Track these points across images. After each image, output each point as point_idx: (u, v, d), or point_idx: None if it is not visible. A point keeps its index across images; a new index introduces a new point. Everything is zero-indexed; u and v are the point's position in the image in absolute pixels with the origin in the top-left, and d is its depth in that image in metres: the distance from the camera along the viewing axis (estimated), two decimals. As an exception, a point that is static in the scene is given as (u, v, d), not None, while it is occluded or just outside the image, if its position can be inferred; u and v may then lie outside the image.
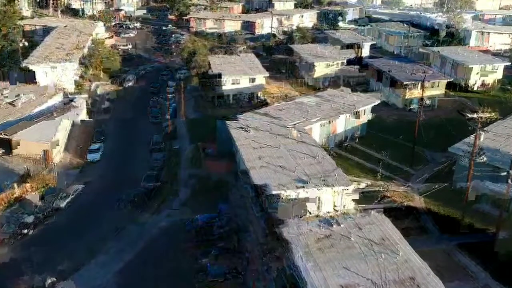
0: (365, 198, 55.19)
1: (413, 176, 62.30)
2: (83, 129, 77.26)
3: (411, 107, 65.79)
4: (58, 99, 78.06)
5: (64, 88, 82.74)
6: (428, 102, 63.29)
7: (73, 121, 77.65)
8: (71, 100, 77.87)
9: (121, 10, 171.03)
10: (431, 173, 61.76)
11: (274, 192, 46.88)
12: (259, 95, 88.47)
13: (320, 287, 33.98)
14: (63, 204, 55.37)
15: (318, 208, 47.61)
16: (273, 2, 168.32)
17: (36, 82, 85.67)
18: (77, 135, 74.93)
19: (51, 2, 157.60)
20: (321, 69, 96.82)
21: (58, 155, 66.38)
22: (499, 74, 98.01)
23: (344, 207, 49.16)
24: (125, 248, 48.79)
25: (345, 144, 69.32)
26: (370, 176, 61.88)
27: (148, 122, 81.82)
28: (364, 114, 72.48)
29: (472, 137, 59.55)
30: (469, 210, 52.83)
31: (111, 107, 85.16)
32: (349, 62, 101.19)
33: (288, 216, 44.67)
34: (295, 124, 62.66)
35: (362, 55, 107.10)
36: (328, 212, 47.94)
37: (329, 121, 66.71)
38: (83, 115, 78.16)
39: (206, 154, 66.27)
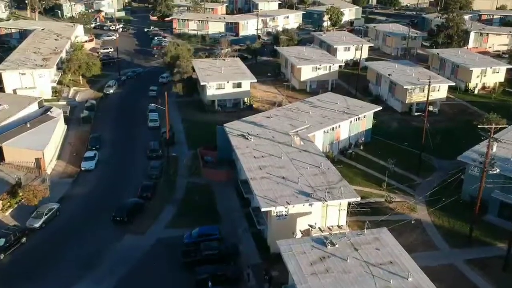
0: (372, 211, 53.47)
1: (420, 186, 60.41)
2: (78, 134, 74.59)
3: (417, 114, 63.55)
4: (33, 108, 72.91)
5: (39, 97, 78.15)
6: (434, 109, 61.05)
7: (67, 127, 75.38)
8: (48, 110, 73.22)
9: (101, 11, 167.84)
10: (439, 183, 59.86)
11: (264, 209, 44.98)
12: (245, 100, 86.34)
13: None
14: (37, 224, 51.60)
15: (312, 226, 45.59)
16: (256, 3, 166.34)
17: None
18: (72, 141, 72.27)
19: (28, 3, 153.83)
20: (307, 73, 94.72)
21: (51, 163, 63.79)
22: (500, 77, 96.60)
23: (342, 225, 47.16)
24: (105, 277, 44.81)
25: (349, 151, 67.26)
26: (375, 185, 59.96)
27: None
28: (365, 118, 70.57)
29: (481, 144, 58.35)
30: (479, 222, 51.17)
31: (91, 116, 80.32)
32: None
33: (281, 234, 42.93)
34: (297, 131, 60.64)
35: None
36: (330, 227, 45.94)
37: (333, 128, 64.64)
38: (61, 126, 72.05)
39: (205, 161, 63.96)
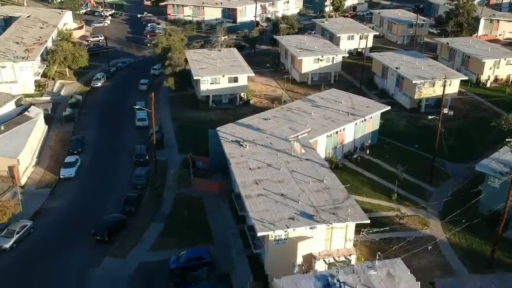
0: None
1: (433, 196, 54.87)
2: (60, 136, 68.64)
3: (430, 117, 57.72)
4: (9, 107, 66.56)
5: (17, 95, 72.19)
6: (449, 112, 55.28)
7: (49, 126, 69.41)
8: (26, 109, 66.75)
9: None
10: (453, 192, 54.46)
11: (261, 234, 39.53)
12: (242, 95, 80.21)
13: None
14: (7, 244, 46.24)
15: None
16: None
17: None
18: (52, 144, 66.35)
19: None
20: (308, 64, 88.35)
21: (27, 170, 58.05)
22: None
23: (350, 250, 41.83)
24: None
25: (355, 156, 61.42)
26: (384, 196, 54.37)
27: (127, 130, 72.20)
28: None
29: (501, 151, 52.89)
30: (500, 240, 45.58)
31: (74, 114, 74.10)
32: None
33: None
34: (298, 136, 54.84)
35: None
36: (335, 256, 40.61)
37: (337, 131, 58.76)
38: (40, 127, 65.96)
39: (196, 168, 58.28)
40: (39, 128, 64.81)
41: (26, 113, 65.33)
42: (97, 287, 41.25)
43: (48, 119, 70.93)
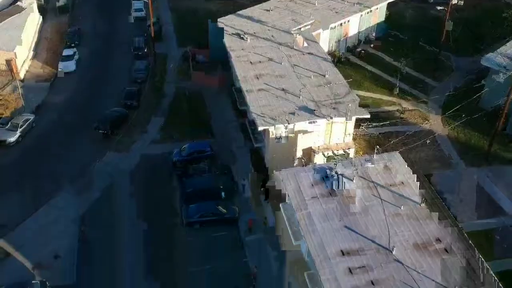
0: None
1: (435, 90, 54.38)
2: (55, 27, 66.59)
3: (439, 8, 55.35)
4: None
5: None
6: (459, 1, 52.62)
7: (42, 18, 67.03)
8: None
9: None
10: (456, 88, 53.98)
11: (261, 128, 39.77)
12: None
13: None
14: (12, 138, 46.66)
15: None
16: None
17: None
18: (48, 36, 64.63)
19: None
20: None
21: (25, 64, 57.14)
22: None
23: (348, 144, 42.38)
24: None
25: (358, 50, 59.92)
26: (386, 90, 53.94)
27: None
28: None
29: (508, 45, 51.44)
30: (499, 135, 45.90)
31: (68, 5, 70.08)
32: None
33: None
34: (300, 29, 53.10)
35: None
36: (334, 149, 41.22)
37: (341, 23, 56.77)
38: (34, 18, 62.93)
39: (196, 62, 57.27)
40: (33, 20, 62.66)
41: (18, 3, 62.78)
42: (101, 180, 42.41)
43: (41, 10, 68.28)
